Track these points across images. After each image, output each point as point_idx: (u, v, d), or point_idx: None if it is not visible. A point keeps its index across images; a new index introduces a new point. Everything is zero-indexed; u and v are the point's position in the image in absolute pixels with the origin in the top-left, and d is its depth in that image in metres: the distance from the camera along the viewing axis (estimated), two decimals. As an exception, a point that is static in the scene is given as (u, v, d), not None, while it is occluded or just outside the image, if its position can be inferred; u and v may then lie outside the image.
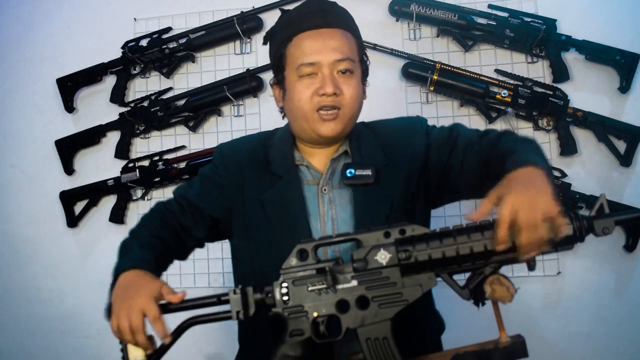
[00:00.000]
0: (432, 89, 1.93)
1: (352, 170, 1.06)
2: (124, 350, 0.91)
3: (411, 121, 1.19)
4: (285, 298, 0.88)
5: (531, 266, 0.85)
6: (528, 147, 0.98)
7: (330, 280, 0.87)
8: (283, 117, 1.19)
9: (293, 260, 0.89)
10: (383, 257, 0.86)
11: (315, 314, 0.87)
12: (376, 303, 0.86)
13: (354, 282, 0.87)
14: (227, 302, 0.90)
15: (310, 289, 0.88)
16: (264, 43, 1.17)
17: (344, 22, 1.10)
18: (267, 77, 2.06)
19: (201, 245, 1.18)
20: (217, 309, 0.93)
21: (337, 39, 1.06)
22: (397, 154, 1.11)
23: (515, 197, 0.80)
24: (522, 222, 0.78)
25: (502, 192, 0.83)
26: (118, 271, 0.99)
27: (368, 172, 1.06)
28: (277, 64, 1.11)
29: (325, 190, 1.09)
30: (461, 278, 0.89)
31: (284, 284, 0.89)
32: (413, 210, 1.10)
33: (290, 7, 1.97)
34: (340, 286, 0.87)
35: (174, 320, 0.93)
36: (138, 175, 2.10)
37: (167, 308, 0.92)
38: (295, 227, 1.06)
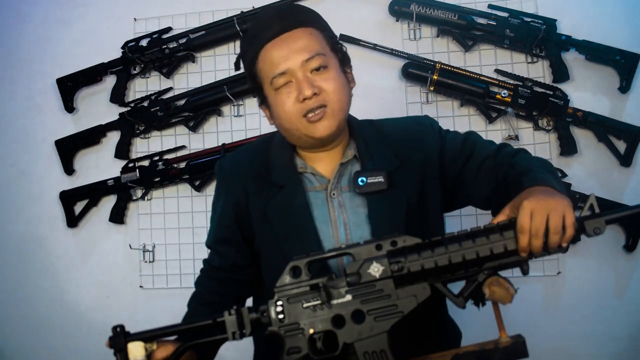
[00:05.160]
0: (432, 89, 1.93)
1: (364, 179, 1.04)
2: (119, 355, 0.91)
3: (420, 121, 1.16)
4: (281, 316, 0.87)
5: (524, 270, 0.86)
6: (544, 168, 0.98)
7: (324, 295, 0.86)
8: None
9: (286, 278, 0.88)
10: (376, 269, 0.86)
11: (311, 331, 0.87)
12: (372, 316, 0.86)
13: (349, 297, 0.87)
14: (222, 323, 0.90)
15: (305, 305, 0.87)
16: (236, 70, 1.14)
17: (304, 19, 1.05)
18: (267, 77, 2.06)
19: (257, 271, 1.16)
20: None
21: (301, 39, 1.02)
22: (409, 154, 1.09)
23: (534, 203, 0.82)
24: (539, 226, 0.80)
25: (520, 200, 0.85)
26: None
27: (380, 178, 1.03)
28: (254, 85, 1.08)
29: (334, 194, 1.06)
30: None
31: (279, 302, 0.88)
32: (427, 212, 1.08)
33: (290, 7, 2.02)
34: (335, 301, 0.87)
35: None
36: (138, 175, 2.10)
37: (163, 333, 0.92)
38: (302, 236, 1.04)
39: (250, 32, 1.06)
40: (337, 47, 1.07)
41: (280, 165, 1.09)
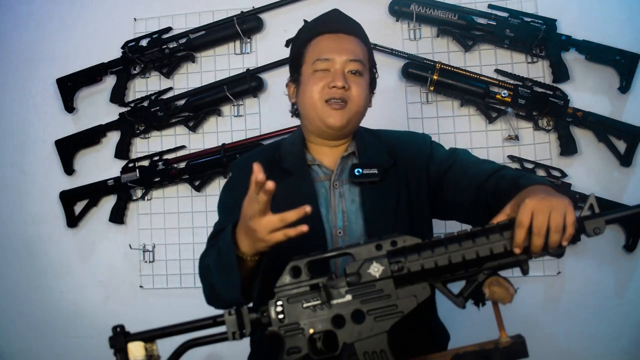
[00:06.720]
0: (432, 89, 1.93)
1: (360, 170, 1.14)
2: (119, 355, 0.90)
3: (415, 134, 1.29)
4: (281, 316, 0.88)
5: (524, 270, 0.86)
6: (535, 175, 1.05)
7: (324, 295, 0.86)
8: (292, 115, 1.26)
9: (286, 278, 0.89)
10: (376, 269, 0.86)
11: (311, 331, 0.87)
12: (372, 316, 0.86)
13: (349, 297, 0.87)
14: (222, 323, 0.89)
15: (305, 305, 0.87)
16: (286, 46, 1.27)
17: (361, 35, 1.21)
18: (267, 77, 2.06)
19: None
20: (213, 331, 0.92)
21: (352, 44, 1.17)
22: (402, 157, 1.20)
23: (536, 201, 0.83)
24: (541, 224, 0.81)
25: (521, 198, 0.86)
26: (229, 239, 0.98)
27: (374, 171, 1.14)
28: (296, 61, 1.21)
29: (336, 185, 1.17)
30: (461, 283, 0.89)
31: (279, 302, 0.88)
32: (415, 211, 1.16)
33: (291, 6, 2.03)
34: (334, 301, 0.87)
35: (170, 343, 0.93)
36: (138, 175, 2.10)
37: (163, 333, 0.92)
38: (306, 218, 1.07)
39: (314, 21, 1.24)
40: (372, 71, 1.23)
41: (292, 156, 1.20)
